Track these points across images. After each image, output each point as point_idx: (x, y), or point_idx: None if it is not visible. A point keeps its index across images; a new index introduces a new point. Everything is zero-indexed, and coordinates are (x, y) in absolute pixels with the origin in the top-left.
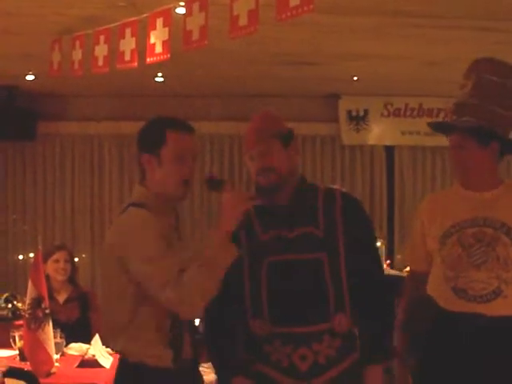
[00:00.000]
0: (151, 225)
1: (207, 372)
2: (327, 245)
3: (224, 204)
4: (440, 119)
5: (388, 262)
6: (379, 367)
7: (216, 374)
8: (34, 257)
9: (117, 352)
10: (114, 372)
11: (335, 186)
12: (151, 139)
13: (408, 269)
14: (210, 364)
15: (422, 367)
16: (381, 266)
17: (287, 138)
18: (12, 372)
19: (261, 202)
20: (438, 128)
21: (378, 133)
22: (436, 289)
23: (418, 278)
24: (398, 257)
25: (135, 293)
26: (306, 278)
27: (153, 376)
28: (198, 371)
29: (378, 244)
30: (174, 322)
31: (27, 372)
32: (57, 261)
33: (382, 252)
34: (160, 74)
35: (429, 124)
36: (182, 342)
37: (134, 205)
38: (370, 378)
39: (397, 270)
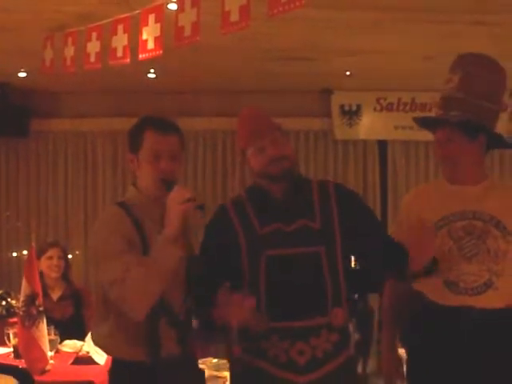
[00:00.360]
0: (113, 222)
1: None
2: (324, 237)
3: (167, 205)
4: (432, 114)
5: None
6: None
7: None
8: (27, 254)
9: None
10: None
11: (328, 179)
12: (132, 140)
13: None
14: (203, 360)
15: (412, 359)
16: (385, 231)
17: (284, 131)
18: (4, 369)
19: (198, 203)
20: (424, 123)
21: (371, 127)
22: (426, 282)
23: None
24: None
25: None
26: (305, 272)
27: (131, 371)
28: (194, 367)
29: None
30: (150, 318)
31: (21, 369)
32: (50, 258)
33: None
34: (152, 71)
35: (414, 119)
36: (158, 338)
37: (117, 203)
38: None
39: None
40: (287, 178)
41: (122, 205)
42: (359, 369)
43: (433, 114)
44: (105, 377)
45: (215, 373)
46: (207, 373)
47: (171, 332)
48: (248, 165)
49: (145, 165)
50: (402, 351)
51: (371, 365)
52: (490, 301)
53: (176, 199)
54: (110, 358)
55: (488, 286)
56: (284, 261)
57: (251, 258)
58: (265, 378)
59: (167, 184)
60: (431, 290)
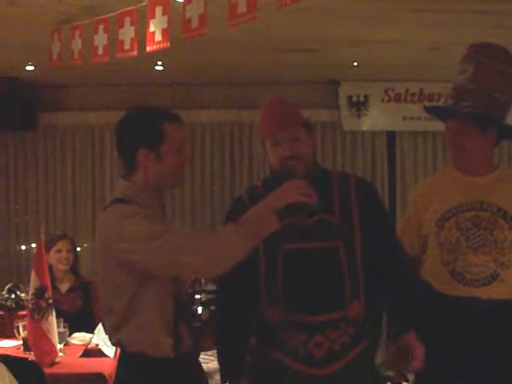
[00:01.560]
0: (137, 211)
1: (210, 360)
2: (343, 232)
3: (282, 187)
4: (440, 104)
5: None
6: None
7: (220, 368)
8: (36, 247)
9: (112, 343)
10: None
11: (348, 171)
12: (150, 135)
13: None
14: (213, 352)
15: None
16: (401, 247)
17: (310, 127)
18: (14, 361)
19: (315, 202)
20: (435, 112)
21: (379, 118)
22: (432, 273)
23: (413, 263)
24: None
25: (137, 285)
26: (323, 267)
27: (153, 366)
28: (198, 361)
29: None
30: (175, 311)
31: (31, 362)
32: (59, 250)
33: None
34: (160, 63)
35: (425, 108)
36: (180, 331)
37: (117, 201)
38: (413, 342)
39: None
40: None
41: (125, 202)
42: None
43: (441, 104)
44: (114, 369)
45: None
46: (214, 365)
47: (185, 326)
48: (266, 155)
49: (169, 158)
50: None
51: (380, 356)
52: (496, 292)
53: (299, 187)
54: (123, 352)
55: (494, 277)
56: (302, 255)
57: (268, 251)
58: (281, 370)
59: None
60: (438, 280)
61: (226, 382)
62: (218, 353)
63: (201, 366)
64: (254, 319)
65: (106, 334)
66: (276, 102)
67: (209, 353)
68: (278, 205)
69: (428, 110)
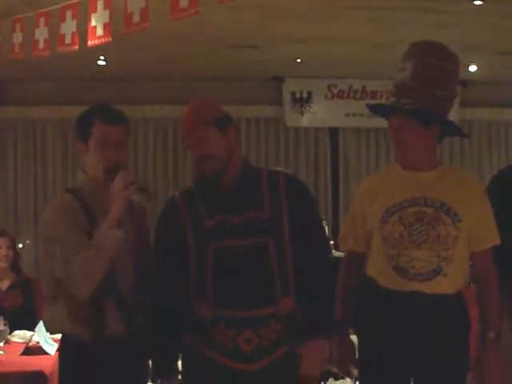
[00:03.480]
0: (62, 207)
1: None
2: (273, 229)
3: (111, 190)
4: (383, 101)
5: (332, 243)
6: (323, 342)
7: (152, 366)
8: None
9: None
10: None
11: (279, 169)
12: (81, 129)
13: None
14: None
15: (363, 344)
16: (328, 248)
17: (223, 124)
18: None
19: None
20: (377, 110)
21: (322, 115)
22: (376, 268)
23: (357, 258)
24: None
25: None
26: (253, 263)
27: (73, 349)
28: (138, 348)
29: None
30: (96, 299)
31: None
32: None
33: (327, 234)
34: (102, 58)
35: (367, 106)
36: (103, 318)
37: (67, 190)
38: (313, 351)
39: (342, 251)
40: (218, 180)
41: (71, 191)
42: None
43: (383, 101)
44: (55, 367)
45: None
46: None
47: (117, 313)
48: None
49: (93, 153)
50: (353, 337)
51: None
52: (440, 287)
53: (119, 184)
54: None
55: (437, 272)
56: (231, 252)
57: (199, 249)
58: (211, 366)
59: (112, 171)
60: (382, 275)
61: (157, 379)
62: (150, 351)
63: (136, 355)
64: (187, 317)
65: (47, 330)
66: (191, 105)
67: None
68: (116, 214)
69: (370, 108)
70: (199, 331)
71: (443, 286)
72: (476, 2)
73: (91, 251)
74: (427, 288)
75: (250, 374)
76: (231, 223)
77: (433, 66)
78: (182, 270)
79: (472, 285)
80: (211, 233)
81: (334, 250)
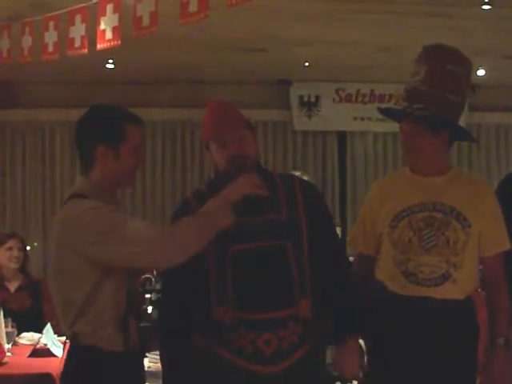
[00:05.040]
0: (98, 204)
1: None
2: (290, 232)
3: (237, 180)
4: (391, 105)
5: None
6: (355, 339)
7: (163, 369)
8: None
9: (68, 337)
10: None
11: (293, 173)
12: (111, 133)
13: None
14: None
15: (372, 349)
16: (344, 251)
17: (253, 127)
18: None
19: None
20: (389, 114)
21: (330, 118)
22: (386, 272)
23: (368, 262)
24: None
25: (97, 277)
26: (271, 266)
27: (104, 359)
28: (142, 359)
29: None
30: (127, 307)
31: None
32: (10, 249)
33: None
34: (111, 61)
35: (379, 109)
36: (129, 327)
37: (76, 196)
38: (349, 349)
39: (349, 255)
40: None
41: (84, 197)
42: None
43: (392, 105)
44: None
45: None
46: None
47: (134, 323)
48: (209, 158)
49: (127, 158)
50: (361, 342)
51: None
52: (449, 292)
53: (255, 180)
54: (74, 345)
55: (446, 277)
56: (250, 254)
57: (217, 253)
58: (230, 369)
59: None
60: (391, 279)
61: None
62: (160, 353)
63: (143, 364)
64: (201, 320)
65: (55, 332)
66: (220, 105)
67: (156, 353)
68: (234, 196)
69: (382, 111)
70: (217, 334)
71: (452, 291)
72: (484, 7)
73: (195, 220)
74: (436, 293)
75: (269, 377)
76: (250, 226)
77: (447, 70)
78: (197, 273)
79: (480, 289)
80: (230, 235)
81: None
